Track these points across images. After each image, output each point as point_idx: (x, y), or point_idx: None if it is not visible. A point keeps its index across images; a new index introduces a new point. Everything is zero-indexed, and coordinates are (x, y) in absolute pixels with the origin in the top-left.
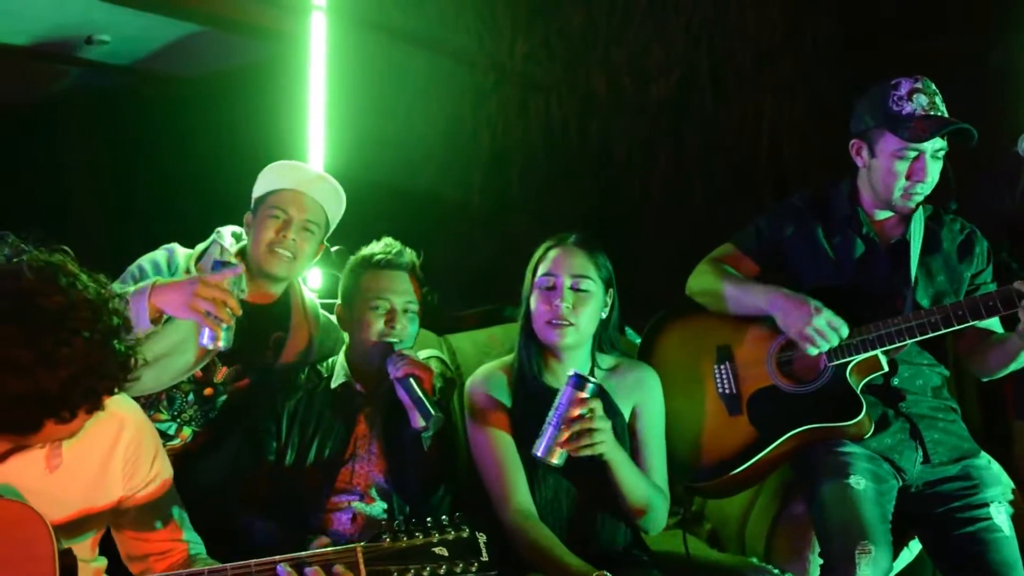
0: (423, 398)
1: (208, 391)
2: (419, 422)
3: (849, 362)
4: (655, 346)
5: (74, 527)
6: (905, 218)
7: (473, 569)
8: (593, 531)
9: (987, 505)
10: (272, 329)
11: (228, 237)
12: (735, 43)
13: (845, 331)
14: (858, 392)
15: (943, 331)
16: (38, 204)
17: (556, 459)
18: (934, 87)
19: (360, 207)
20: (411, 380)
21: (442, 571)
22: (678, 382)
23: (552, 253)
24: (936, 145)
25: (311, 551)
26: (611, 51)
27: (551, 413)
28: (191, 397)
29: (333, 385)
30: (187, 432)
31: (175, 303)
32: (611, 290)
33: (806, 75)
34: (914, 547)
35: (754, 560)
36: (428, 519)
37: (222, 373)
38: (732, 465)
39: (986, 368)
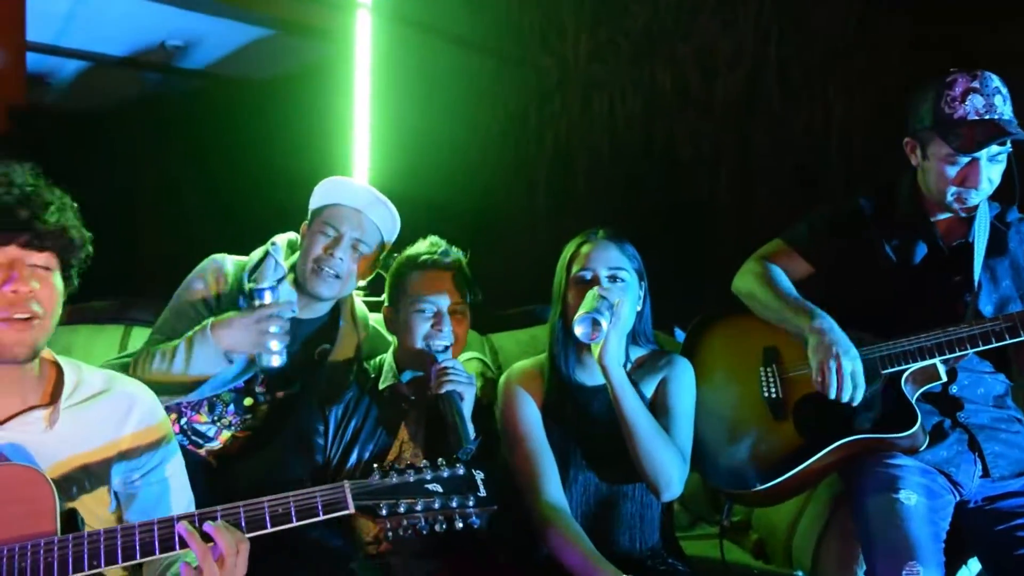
0: (457, 422)
1: (248, 401)
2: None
3: (904, 370)
4: (699, 345)
5: (80, 478)
6: (970, 219)
7: (469, 504)
8: (621, 532)
9: None
10: (318, 342)
11: (282, 249)
12: (805, 39)
13: (859, 395)
14: (913, 402)
15: (1008, 341)
16: (112, 208)
17: (604, 323)
18: (996, 83)
19: (425, 208)
20: (451, 399)
21: (435, 506)
22: (722, 383)
23: (585, 249)
24: (992, 150)
25: (296, 491)
26: (677, 48)
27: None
28: (232, 407)
29: (381, 387)
30: (226, 436)
31: (244, 342)
32: (643, 282)
33: (878, 73)
34: (973, 566)
35: (799, 573)
36: (424, 460)
37: (263, 384)
38: (774, 474)
39: None
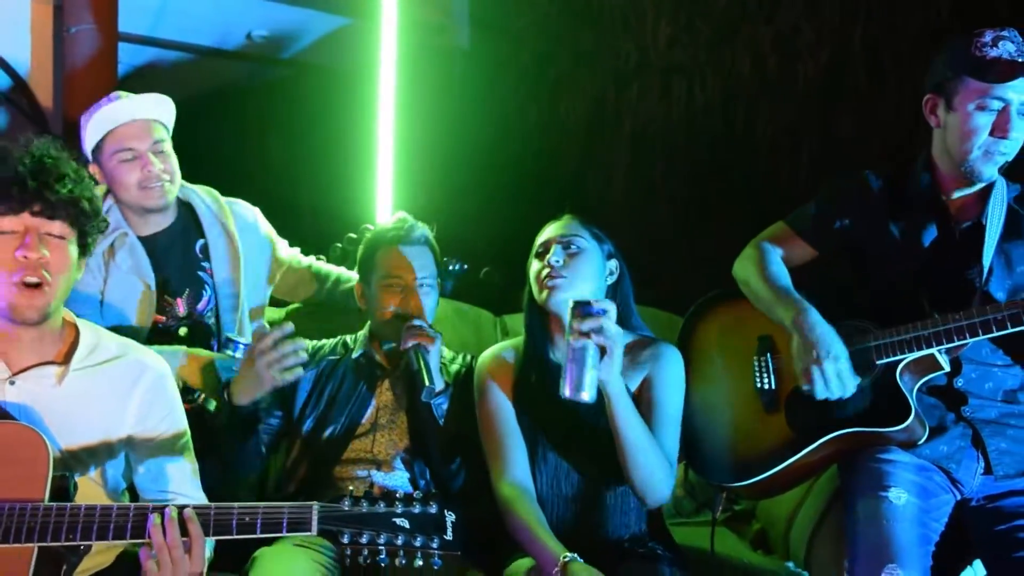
0: (422, 368)
1: (183, 331)
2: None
3: (900, 361)
4: (696, 331)
5: (89, 454)
6: (984, 198)
7: (434, 545)
8: (597, 516)
9: None
10: (189, 242)
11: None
12: (894, 19)
13: (850, 390)
14: (911, 395)
15: (1010, 331)
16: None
17: (584, 395)
18: (1021, 39)
19: (500, 192)
20: (415, 351)
21: (398, 541)
22: (715, 372)
23: (547, 226)
24: (1022, 98)
25: (267, 503)
26: (758, 30)
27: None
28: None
29: (355, 355)
30: None
31: (201, 381)
32: (614, 260)
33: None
34: (979, 567)
35: (790, 565)
36: (398, 491)
37: (180, 304)
38: (762, 468)
39: None
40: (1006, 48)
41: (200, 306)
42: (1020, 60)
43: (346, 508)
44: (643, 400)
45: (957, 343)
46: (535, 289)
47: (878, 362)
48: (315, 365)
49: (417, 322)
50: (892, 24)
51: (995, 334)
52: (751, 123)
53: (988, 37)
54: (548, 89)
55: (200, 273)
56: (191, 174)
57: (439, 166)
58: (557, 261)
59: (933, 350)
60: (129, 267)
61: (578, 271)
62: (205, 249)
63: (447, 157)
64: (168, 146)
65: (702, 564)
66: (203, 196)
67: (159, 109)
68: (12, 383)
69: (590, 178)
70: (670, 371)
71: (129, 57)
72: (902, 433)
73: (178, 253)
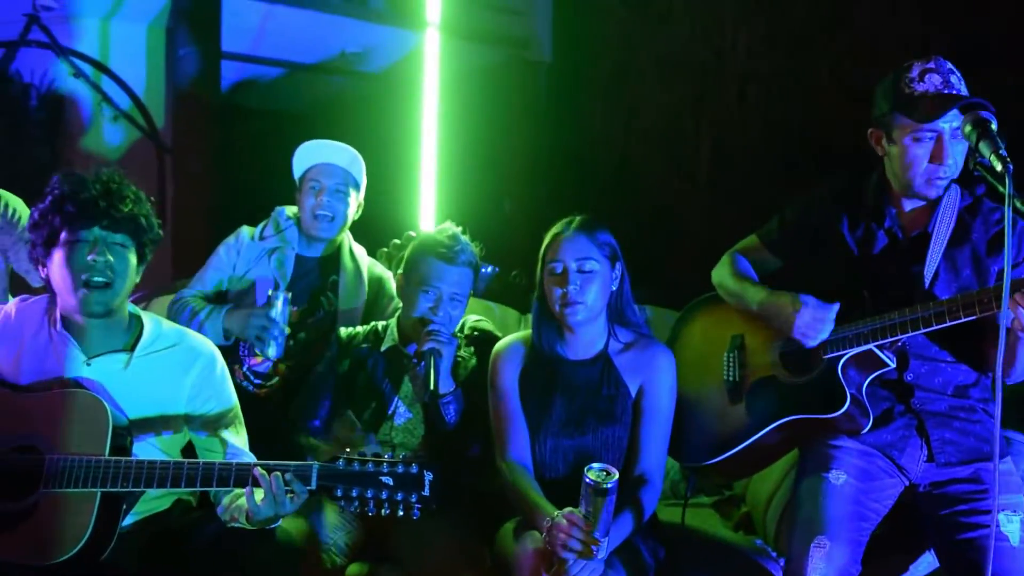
0: (429, 375)
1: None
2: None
3: (842, 356)
4: (683, 331)
5: (151, 424)
6: (934, 209)
7: (412, 500)
8: None
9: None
10: (327, 274)
11: (286, 211)
12: (981, 23)
13: (829, 328)
14: (860, 389)
15: (936, 327)
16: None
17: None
18: (949, 65)
19: (582, 202)
20: (430, 355)
21: (382, 496)
22: (696, 367)
23: (557, 240)
24: (954, 124)
25: (276, 461)
26: (836, 37)
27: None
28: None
29: (383, 348)
30: (283, 367)
31: (236, 329)
32: (617, 264)
33: None
34: None
35: (757, 541)
36: (388, 455)
37: (295, 315)
38: (722, 450)
39: (990, 365)
40: (932, 81)
41: (310, 321)
42: (946, 92)
43: (340, 467)
44: (639, 407)
45: (890, 339)
46: (554, 308)
47: (825, 357)
48: (351, 353)
49: (434, 326)
50: (977, 29)
51: (923, 330)
52: (828, 131)
53: (915, 71)
54: (628, 98)
55: (322, 299)
56: (282, 179)
57: (516, 175)
58: (575, 289)
59: (871, 346)
60: (273, 269)
61: (591, 294)
62: (335, 285)
63: (529, 167)
64: (349, 197)
65: (675, 535)
66: (353, 246)
67: (352, 164)
68: (88, 364)
69: (673, 185)
70: (663, 380)
71: (237, 73)
72: (844, 421)
73: (313, 277)
